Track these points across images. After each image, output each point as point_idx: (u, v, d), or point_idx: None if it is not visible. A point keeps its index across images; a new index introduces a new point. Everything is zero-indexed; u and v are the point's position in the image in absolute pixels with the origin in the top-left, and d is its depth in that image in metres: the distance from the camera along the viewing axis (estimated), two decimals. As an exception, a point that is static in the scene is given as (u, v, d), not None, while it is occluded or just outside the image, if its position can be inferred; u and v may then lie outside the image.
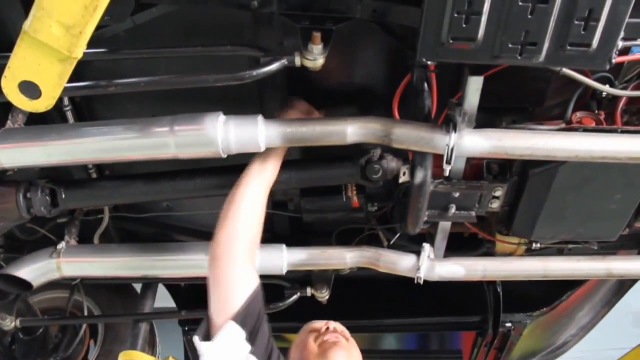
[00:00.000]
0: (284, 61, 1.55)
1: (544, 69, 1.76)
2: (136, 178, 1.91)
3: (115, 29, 1.67)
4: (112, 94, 1.79)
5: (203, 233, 2.50)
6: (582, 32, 1.36)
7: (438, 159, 1.70)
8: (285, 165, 1.79)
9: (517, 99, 1.86)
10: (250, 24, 1.80)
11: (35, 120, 1.84)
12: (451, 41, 1.38)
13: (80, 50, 1.23)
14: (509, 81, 1.74)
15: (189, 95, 1.81)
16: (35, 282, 2.15)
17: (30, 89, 1.37)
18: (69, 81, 1.40)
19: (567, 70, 1.56)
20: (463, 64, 1.63)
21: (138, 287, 2.91)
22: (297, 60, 1.55)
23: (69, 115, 2.03)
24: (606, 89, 1.70)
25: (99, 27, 1.60)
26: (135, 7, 1.58)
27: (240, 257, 1.60)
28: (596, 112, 1.83)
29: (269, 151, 1.70)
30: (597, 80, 1.70)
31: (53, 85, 1.37)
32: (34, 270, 2.14)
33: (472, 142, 1.63)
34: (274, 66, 1.54)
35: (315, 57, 1.53)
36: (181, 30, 1.84)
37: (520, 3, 1.32)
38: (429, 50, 1.41)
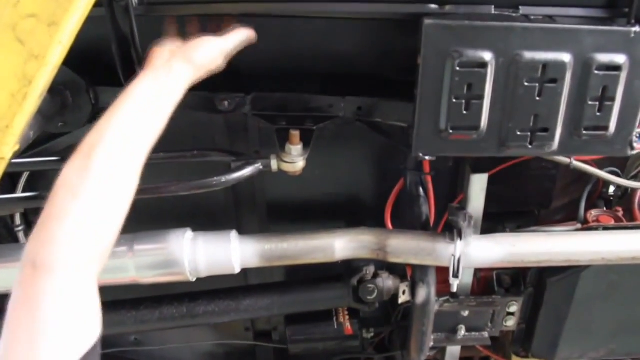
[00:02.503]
0: (259, 165, 1.36)
1: (548, 166, 1.62)
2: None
3: (73, 138, 1.49)
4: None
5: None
6: (598, 114, 1.21)
7: (442, 272, 1.53)
8: (267, 289, 1.59)
9: (522, 201, 1.75)
10: (222, 130, 1.67)
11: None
12: (451, 131, 1.20)
13: (8, 149, 1.02)
14: (511, 182, 1.63)
15: (157, 209, 1.64)
16: None
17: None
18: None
19: (577, 163, 1.42)
20: (463, 161, 1.48)
21: None
22: (274, 164, 1.36)
23: (21, 236, 1.81)
24: (626, 182, 1.55)
25: (54, 137, 1.47)
26: (93, 112, 1.44)
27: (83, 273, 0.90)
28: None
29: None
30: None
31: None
32: None
33: (482, 250, 1.44)
34: (247, 171, 1.35)
35: (295, 160, 1.35)
36: None
37: (526, 83, 1.16)
38: (426, 143, 1.23)
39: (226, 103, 1.38)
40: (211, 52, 1.16)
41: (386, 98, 1.41)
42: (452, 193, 1.73)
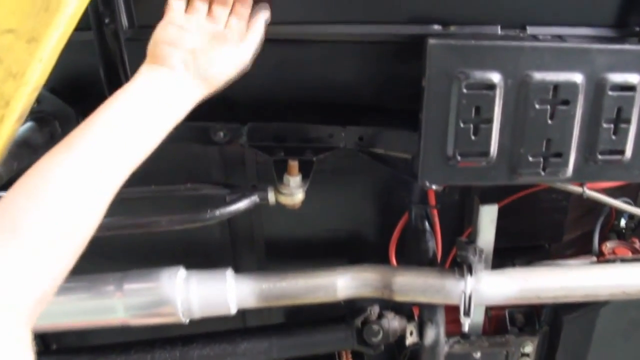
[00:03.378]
0: (255, 198, 1.29)
1: (558, 198, 1.56)
2: (81, 352, 1.55)
3: None
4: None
5: None
6: (613, 137, 1.15)
7: (451, 311, 1.46)
8: (265, 331, 1.52)
9: (531, 235, 1.69)
10: (218, 164, 1.60)
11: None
12: (459, 158, 1.13)
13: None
14: (520, 215, 1.57)
15: (148, 245, 1.59)
16: None
17: None
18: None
19: (591, 193, 1.35)
20: (470, 193, 1.41)
21: None
22: (272, 197, 1.29)
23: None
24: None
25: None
26: None
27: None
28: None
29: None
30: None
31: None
32: None
33: (494, 286, 1.36)
34: (242, 204, 1.28)
35: (293, 192, 1.28)
36: (140, 173, 1.60)
37: (537, 105, 1.10)
38: (433, 171, 1.16)
39: (221, 134, 1.32)
40: (229, 69, 1.05)
41: (389, 127, 1.35)
42: (459, 227, 1.66)
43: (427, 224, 1.54)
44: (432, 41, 1.06)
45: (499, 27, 1.15)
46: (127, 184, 1.48)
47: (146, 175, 1.60)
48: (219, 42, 1.02)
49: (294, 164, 1.26)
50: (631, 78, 1.10)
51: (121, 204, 1.56)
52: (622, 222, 1.75)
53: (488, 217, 1.36)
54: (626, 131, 1.13)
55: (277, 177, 1.30)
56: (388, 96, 1.38)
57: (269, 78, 1.33)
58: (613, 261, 1.46)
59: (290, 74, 1.32)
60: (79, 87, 1.30)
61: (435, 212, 1.52)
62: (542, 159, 1.14)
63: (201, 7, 1.03)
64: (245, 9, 1.06)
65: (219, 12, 1.04)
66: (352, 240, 1.79)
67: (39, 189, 0.81)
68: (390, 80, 1.33)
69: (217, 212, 1.26)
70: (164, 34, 1.01)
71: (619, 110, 1.12)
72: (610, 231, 1.74)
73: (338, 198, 1.73)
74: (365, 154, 1.40)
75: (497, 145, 1.12)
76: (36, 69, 0.88)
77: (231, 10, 1.05)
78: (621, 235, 1.73)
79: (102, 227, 1.28)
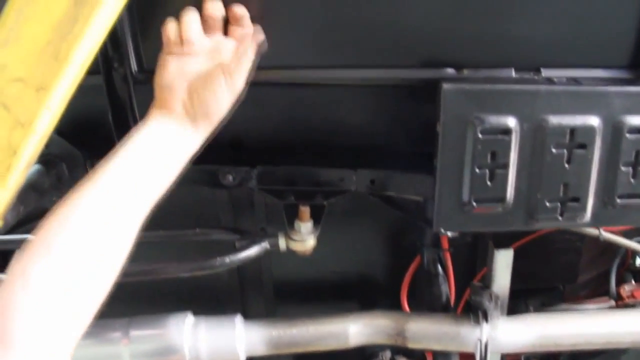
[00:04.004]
0: (266, 244, 1.26)
1: (573, 239, 1.53)
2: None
3: None
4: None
5: None
6: (632, 181, 1.12)
7: (465, 358, 1.42)
8: None
9: (546, 277, 1.64)
10: (227, 206, 1.57)
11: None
12: (474, 204, 1.10)
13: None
14: (534, 257, 1.53)
15: (155, 290, 1.55)
16: None
17: None
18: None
19: (607, 235, 1.32)
20: (483, 235, 1.37)
21: None
22: (282, 243, 1.26)
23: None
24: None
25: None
26: None
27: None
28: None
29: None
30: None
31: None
32: None
33: (511, 334, 1.33)
34: (252, 251, 1.25)
35: (305, 238, 1.24)
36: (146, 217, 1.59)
37: (553, 150, 1.07)
38: (448, 218, 1.13)
39: (230, 177, 1.29)
40: (226, 101, 1.02)
41: (401, 170, 1.32)
42: (471, 269, 1.62)
43: (439, 267, 1.50)
44: (446, 86, 1.04)
45: (513, 70, 1.13)
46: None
47: (155, 217, 1.59)
48: (213, 78, 1.00)
49: (305, 210, 1.23)
50: (649, 121, 1.08)
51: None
52: (638, 261, 1.71)
53: (503, 262, 1.33)
54: (646, 174, 1.11)
55: (287, 223, 1.27)
56: (400, 138, 1.36)
57: (278, 120, 1.31)
58: (633, 306, 1.42)
59: (301, 116, 1.30)
60: (86, 129, 1.29)
61: (448, 255, 1.48)
62: (559, 204, 1.11)
63: (195, 32, 1.01)
64: (238, 31, 1.03)
65: (213, 37, 1.02)
66: (362, 283, 1.75)
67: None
68: (402, 122, 1.31)
69: (227, 260, 1.23)
70: (162, 75, 1.00)
71: (638, 153, 1.10)
72: (627, 270, 1.69)
73: (348, 240, 1.69)
74: (376, 197, 1.37)
75: (513, 190, 1.10)
76: (45, 118, 0.86)
77: (226, 30, 1.04)
78: (638, 275, 1.69)
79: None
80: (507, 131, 1.05)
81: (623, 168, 1.10)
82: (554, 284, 1.66)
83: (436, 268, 1.50)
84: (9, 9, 0.83)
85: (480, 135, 1.05)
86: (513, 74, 1.12)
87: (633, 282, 1.62)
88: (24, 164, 0.89)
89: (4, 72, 0.84)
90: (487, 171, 1.08)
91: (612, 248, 1.56)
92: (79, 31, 0.82)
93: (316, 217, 1.28)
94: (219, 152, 1.36)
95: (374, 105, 1.27)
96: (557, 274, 1.62)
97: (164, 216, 1.59)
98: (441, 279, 1.49)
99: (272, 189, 1.33)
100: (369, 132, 1.34)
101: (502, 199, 1.10)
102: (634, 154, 1.09)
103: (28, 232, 1.42)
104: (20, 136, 0.86)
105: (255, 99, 1.27)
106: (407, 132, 1.31)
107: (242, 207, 1.56)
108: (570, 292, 1.68)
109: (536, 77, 1.12)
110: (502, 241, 1.38)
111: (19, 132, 0.86)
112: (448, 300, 1.47)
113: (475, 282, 1.42)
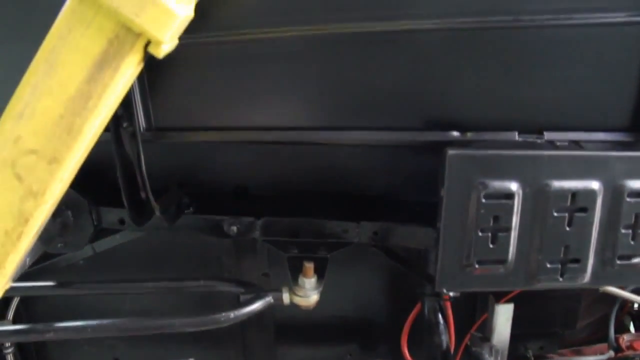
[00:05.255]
0: (270, 299, 1.26)
1: None
2: None
3: (72, 258, 1.49)
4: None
5: None
6: (632, 243, 1.13)
7: None
8: None
9: (545, 322, 1.65)
10: (230, 251, 1.58)
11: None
12: (476, 266, 1.11)
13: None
14: (534, 302, 1.54)
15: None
16: None
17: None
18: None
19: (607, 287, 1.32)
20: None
21: None
22: (286, 298, 1.27)
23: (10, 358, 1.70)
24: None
25: (52, 256, 1.44)
26: (94, 233, 1.39)
27: None
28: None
29: None
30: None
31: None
32: None
33: None
34: (256, 306, 1.25)
35: (308, 294, 1.25)
36: (150, 258, 1.62)
37: (555, 213, 1.09)
38: (450, 278, 1.14)
39: (235, 228, 1.31)
40: None
41: (403, 222, 1.34)
42: (471, 314, 1.63)
43: (440, 316, 1.51)
44: (451, 152, 1.05)
45: (516, 133, 1.14)
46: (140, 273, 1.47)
47: (158, 259, 1.61)
48: None
49: (309, 267, 1.24)
50: (649, 184, 1.09)
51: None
52: (636, 305, 1.72)
53: (504, 316, 1.34)
54: (645, 235, 1.12)
55: (291, 277, 1.28)
56: (401, 189, 1.38)
57: (283, 172, 1.33)
58: (632, 358, 1.42)
59: (306, 169, 1.33)
60: (92, 178, 1.30)
61: (448, 304, 1.49)
62: (560, 265, 1.13)
63: None
64: None
65: None
66: (363, 327, 1.75)
67: None
68: (404, 174, 1.33)
69: (232, 315, 1.23)
70: None
71: (637, 217, 1.11)
72: (626, 314, 1.71)
73: (349, 284, 1.70)
74: (379, 249, 1.38)
75: (514, 252, 1.11)
76: (56, 189, 0.88)
77: None
78: (637, 319, 1.70)
79: (116, 328, 1.27)
80: (510, 195, 1.07)
81: (623, 230, 1.11)
82: (554, 329, 1.66)
83: (437, 317, 1.50)
84: (24, 83, 0.84)
85: (483, 200, 1.06)
86: (517, 136, 1.14)
87: (632, 328, 1.63)
88: (34, 232, 0.91)
89: (18, 143, 0.85)
90: (489, 234, 1.09)
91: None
92: (92, 107, 0.83)
93: (320, 271, 1.29)
94: (224, 201, 1.38)
95: (377, 159, 1.29)
96: (556, 320, 1.63)
97: (168, 256, 1.61)
98: (442, 327, 1.49)
99: (275, 240, 1.34)
100: (371, 183, 1.37)
101: (503, 260, 1.11)
102: (633, 217, 1.11)
103: (32, 276, 1.44)
104: (32, 206, 0.88)
105: (261, 151, 1.29)
106: (408, 183, 1.33)
107: (245, 252, 1.57)
108: (570, 335, 1.68)
109: (539, 141, 1.14)
110: (505, 293, 1.39)
111: (31, 201, 0.88)
112: (448, 349, 1.47)
113: (475, 333, 1.43)
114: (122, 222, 1.36)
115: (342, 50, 1.08)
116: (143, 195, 1.19)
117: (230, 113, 1.14)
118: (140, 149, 1.13)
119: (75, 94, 0.83)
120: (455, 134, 1.13)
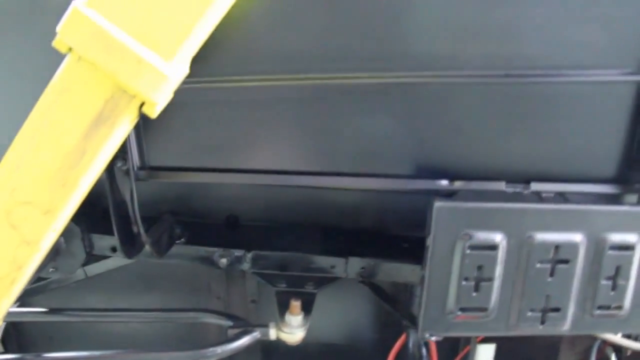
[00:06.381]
0: (257, 334, 1.28)
1: None
2: None
3: (64, 280, 1.52)
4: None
5: None
6: (612, 293, 1.16)
7: None
8: None
9: (527, 358, 1.66)
10: (220, 278, 1.60)
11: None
12: (459, 313, 1.14)
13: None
14: (516, 339, 1.50)
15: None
16: None
17: None
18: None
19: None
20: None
21: None
22: (273, 333, 1.29)
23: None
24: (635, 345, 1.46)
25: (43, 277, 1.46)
26: (86, 259, 1.39)
27: None
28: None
29: None
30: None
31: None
32: None
33: None
34: (243, 341, 1.27)
35: (294, 331, 1.27)
36: (141, 282, 1.65)
37: (538, 265, 1.11)
38: (433, 323, 1.17)
39: (225, 260, 1.33)
40: None
41: (391, 258, 1.36)
42: (453, 347, 1.65)
43: (424, 350, 1.53)
44: (438, 204, 1.07)
45: (504, 183, 1.16)
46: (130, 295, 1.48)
47: (148, 283, 1.62)
48: None
49: (296, 304, 1.26)
50: (630, 237, 1.12)
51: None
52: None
53: (484, 356, 1.36)
54: (624, 288, 1.14)
55: (279, 312, 1.30)
56: (391, 223, 1.40)
57: (272, 204, 1.35)
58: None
59: (293, 202, 1.34)
60: (85, 205, 1.32)
61: (432, 343, 1.51)
62: (540, 314, 1.15)
63: None
64: None
65: None
66: (348, 355, 1.78)
67: None
68: (394, 209, 1.35)
69: (219, 350, 1.25)
70: None
71: (618, 269, 1.13)
72: (608, 347, 1.72)
73: (335, 312, 1.72)
74: (366, 285, 1.40)
75: (497, 300, 1.14)
76: (49, 238, 0.90)
77: None
78: (619, 352, 1.71)
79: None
80: (494, 247, 1.09)
81: (603, 281, 1.14)
82: (536, 364, 1.69)
83: (420, 351, 1.52)
84: (22, 135, 0.86)
85: (468, 251, 1.09)
86: (504, 187, 1.16)
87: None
88: (26, 277, 0.93)
89: (14, 194, 0.87)
90: (473, 283, 1.11)
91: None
92: (88, 162, 0.85)
93: (307, 307, 1.31)
94: (216, 230, 1.40)
95: (367, 194, 1.31)
96: (538, 355, 1.65)
97: (158, 282, 1.63)
98: (424, 360, 1.52)
99: (264, 272, 1.36)
100: (361, 216, 1.38)
101: (485, 308, 1.14)
102: (614, 269, 1.13)
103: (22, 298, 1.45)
104: (25, 253, 0.90)
105: (252, 185, 1.30)
106: (395, 218, 1.34)
107: (235, 279, 1.59)
108: (551, 369, 1.71)
109: (525, 192, 1.16)
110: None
111: (24, 249, 0.90)
112: (430, 384, 1.50)
113: (457, 367, 1.45)
114: (114, 249, 1.37)
115: (334, 99, 1.10)
116: (135, 229, 1.21)
117: (223, 155, 1.16)
118: (134, 187, 1.14)
119: (71, 149, 0.85)
120: (444, 182, 1.15)
